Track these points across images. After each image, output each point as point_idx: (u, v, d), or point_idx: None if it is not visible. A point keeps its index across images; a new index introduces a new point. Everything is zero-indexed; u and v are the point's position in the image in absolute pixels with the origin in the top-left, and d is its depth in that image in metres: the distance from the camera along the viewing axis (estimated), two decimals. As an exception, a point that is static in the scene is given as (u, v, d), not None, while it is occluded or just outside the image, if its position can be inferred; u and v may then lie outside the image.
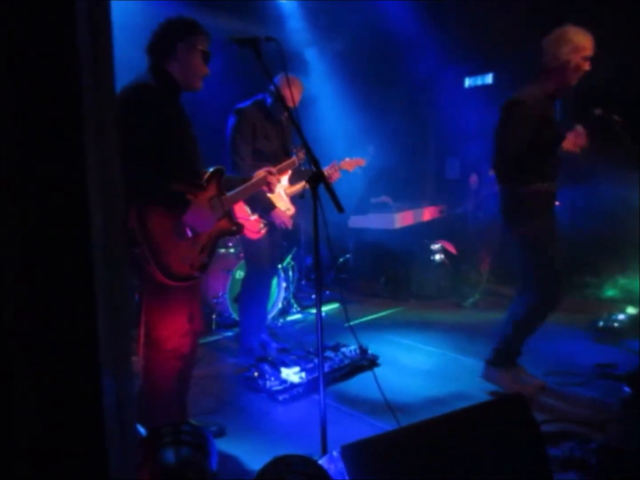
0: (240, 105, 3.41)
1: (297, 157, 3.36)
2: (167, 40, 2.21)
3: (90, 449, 0.97)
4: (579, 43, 2.73)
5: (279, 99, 2.22)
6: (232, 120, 3.37)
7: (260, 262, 3.53)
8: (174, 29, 2.22)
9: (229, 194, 2.41)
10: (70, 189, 0.92)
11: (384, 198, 5.72)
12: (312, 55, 5.79)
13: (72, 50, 0.84)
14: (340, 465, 1.40)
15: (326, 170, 3.62)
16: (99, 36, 0.94)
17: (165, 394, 2.33)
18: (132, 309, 3.82)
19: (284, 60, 2.06)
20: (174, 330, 2.24)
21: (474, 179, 5.00)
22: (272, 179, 2.85)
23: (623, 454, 2.11)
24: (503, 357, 3.01)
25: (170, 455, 1.35)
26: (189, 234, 2.17)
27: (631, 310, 4.19)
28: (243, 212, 3.33)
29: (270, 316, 4.25)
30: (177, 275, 2.13)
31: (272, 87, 3.40)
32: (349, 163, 3.82)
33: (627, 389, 2.78)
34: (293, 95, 2.61)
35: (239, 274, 4.25)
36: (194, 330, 2.34)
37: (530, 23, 4.66)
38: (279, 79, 3.24)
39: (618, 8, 3.79)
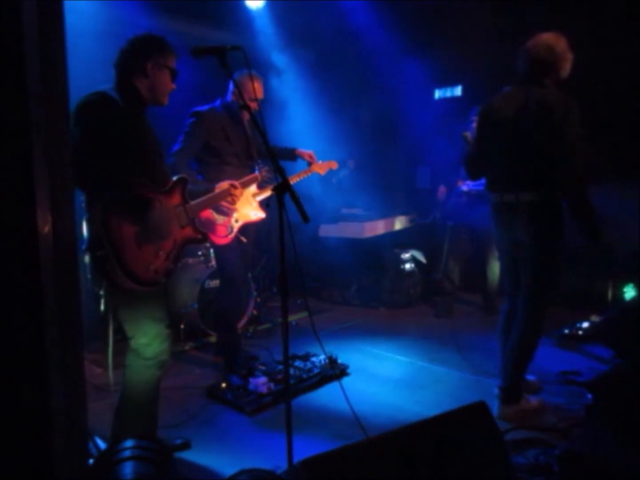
0: (198, 108, 3.38)
1: (260, 174, 3.35)
2: (136, 58, 2.24)
3: (38, 469, 0.93)
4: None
5: (243, 106, 2.20)
6: (186, 121, 3.33)
7: (232, 268, 3.50)
8: (143, 47, 2.25)
9: (192, 202, 2.42)
10: (18, 198, 0.89)
11: (355, 210, 5.74)
12: (281, 63, 5.79)
13: (18, 55, 0.82)
14: (304, 479, 1.38)
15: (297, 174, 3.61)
16: (50, 41, 0.92)
17: (144, 406, 2.31)
18: (90, 321, 3.75)
19: (250, 68, 2.08)
20: (152, 336, 2.23)
21: (442, 190, 5.06)
22: (235, 191, 2.87)
23: (585, 459, 2.14)
24: (514, 391, 2.89)
25: (127, 472, 1.31)
26: (154, 239, 2.16)
27: (595, 318, 4.28)
28: (210, 217, 3.29)
29: (240, 325, 4.21)
30: (142, 280, 2.12)
31: (231, 89, 3.39)
32: (320, 166, 3.78)
33: (589, 395, 2.84)
34: (256, 92, 2.60)
35: (208, 283, 4.19)
36: (171, 335, 2.32)
37: (498, 37, 4.77)
38: (239, 79, 3.19)
39: (579, 19, 3.93)
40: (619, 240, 3.92)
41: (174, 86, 2.34)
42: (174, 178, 2.34)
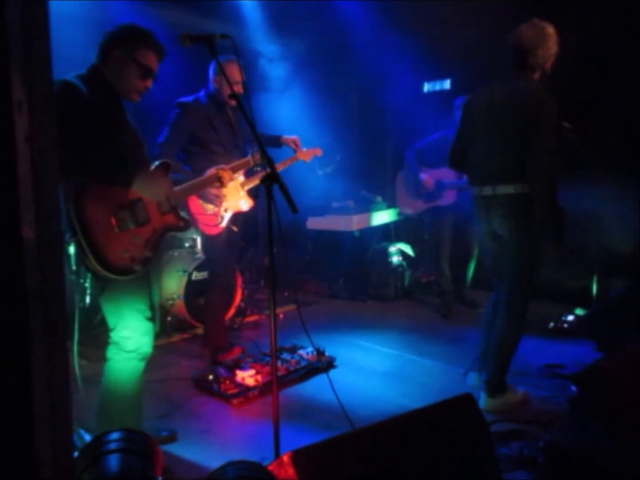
0: (183, 99, 3.33)
1: (253, 158, 3.30)
2: (106, 44, 2.17)
3: (19, 464, 0.91)
4: (555, 36, 2.73)
5: (231, 95, 2.16)
6: (172, 113, 3.29)
7: (221, 259, 3.48)
8: (115, 34, 2.18)
9: (176, 189, 2.36)
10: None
11: (348, 202, 5.71)
12: (269, 53, 5.75)
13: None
14: (291, 470, 1.38)
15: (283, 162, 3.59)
16: (33, 29, 0.89)
17: (127, 399, 2.26)
18: (71, 310, 3.70)
19: (239, 57, 2.06)
20: (134, 328, 2.17)
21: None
22: (224, 174, 2.82)
23: (569, 451, 2.16)
24: (499, 384, 2.90)
25: (112, 463, 1.30)
26: (129, 225, 2.10)
27: (580, 311, 4.33)
28: (198, 208, 3.26)
29: (227, 317, 4.19)
30: (115, 268, 2.03)
31: (211, 77, 3.34)
32: (305, 153, 3.74)
33: (574, 388, 2.87)
34: (238, 74, 2.54)
35: (195, 274, 4.17)
36: (152, 327, 2.26)
37: (487, 31, 4.77)
38: (224, 65, 3.14)
39: (572, 15, 3.93)
40: (604, 236, 3.96)
41: (147, 84, 2.21)
42: (155, 163, 2.27)
